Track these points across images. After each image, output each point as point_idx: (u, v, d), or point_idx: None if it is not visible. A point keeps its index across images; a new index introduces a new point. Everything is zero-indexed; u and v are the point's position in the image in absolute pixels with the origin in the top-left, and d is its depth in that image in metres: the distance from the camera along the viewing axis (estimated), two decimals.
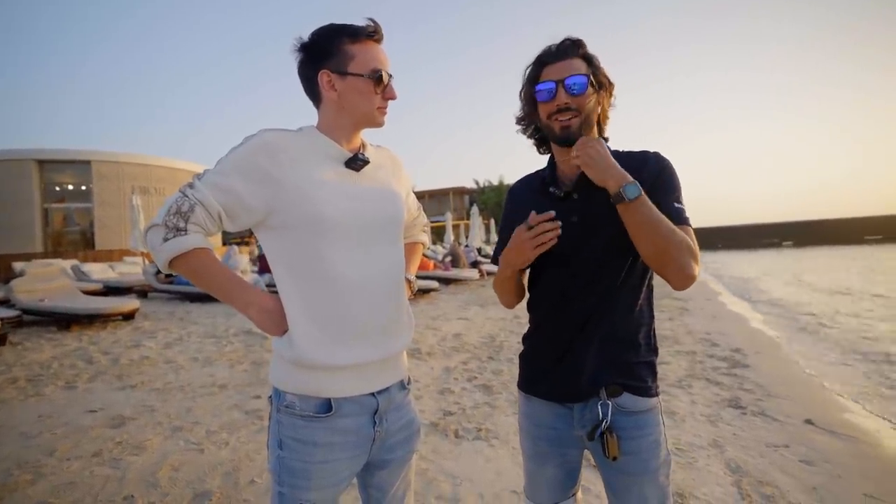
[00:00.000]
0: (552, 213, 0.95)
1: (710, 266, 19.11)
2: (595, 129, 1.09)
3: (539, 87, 1.05)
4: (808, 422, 3.02)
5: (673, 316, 6.88)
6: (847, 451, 2.63)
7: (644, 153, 1.07)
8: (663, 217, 0.94)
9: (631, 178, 0.94)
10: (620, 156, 1.07)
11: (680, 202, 1.02)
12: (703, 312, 7.28)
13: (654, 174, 1.02)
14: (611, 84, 1.08)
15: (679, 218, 0.99)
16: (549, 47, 1.06)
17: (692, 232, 1.00)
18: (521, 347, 1.22)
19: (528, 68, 1.09)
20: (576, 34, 1.07)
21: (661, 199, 0.99)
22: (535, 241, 0.96)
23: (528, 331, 1.19)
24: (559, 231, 0.95)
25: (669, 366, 4.29)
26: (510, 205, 1.21)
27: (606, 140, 1.13)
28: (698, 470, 2.38)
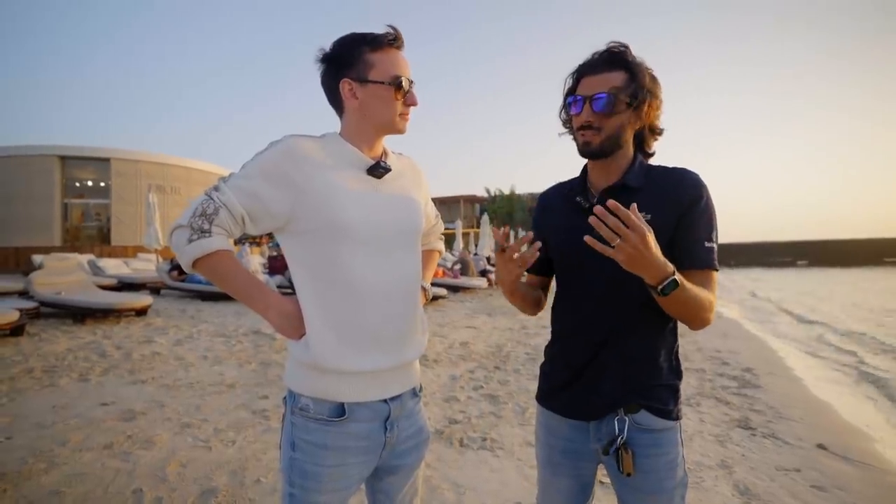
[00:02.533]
0: (530, 236, 0.96)
1: (724, 285, 18.84)
2: (628, 146, 1.05)
3: (570, 99, 1.04)
4: (821, 446, 2.96)
5: (682, 332, 6.69)
6: (861, 479, 2.57)
7: (682, 173, 1.02)
8: (692, 294, 0.89)
9: (671, 273, 0.85)
10: (656, 171, 1.04)
11: (712, 240, 0.98)
12: (714, 330, 7.17)
13: (688, 200, 0.98)
14: (653, 96, 1.01)
15: (706, 260, 0.96)
16: (590, 57, 1.02)
17: (715, 277, 0.98)
18: (527, 358, 1.23)
19: (568, 76, 1.06)
20: (576, 52, 1.02)
21: (694, 234, 0.97)
22: (510, 264, 0.97)
23: (549, 342, 1.18)
24: (538, 253, 0.93)
25: None
26: (539, 210, 1.21)
27: (652, 155, 1.09)
28: (706, 490, 2.34)
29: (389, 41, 1.00)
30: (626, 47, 1.00)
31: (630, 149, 1.06)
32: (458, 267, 13.28)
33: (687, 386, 4.15)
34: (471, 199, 40.83)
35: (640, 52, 1.03)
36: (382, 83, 0.99)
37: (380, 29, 1.00)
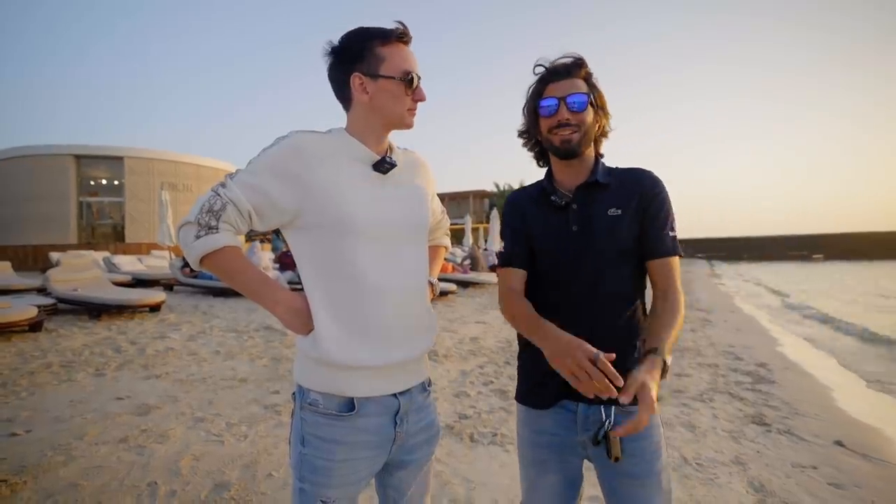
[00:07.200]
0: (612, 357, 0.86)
1: (735, 274, 18.56)
2: (592, 145, 1.13)
3: (542, 102, 1.10)
4: (839, 443, 2.90)
5: (695, 327, 6.71)
6: (880, 476, 2.52)
7: (639, 172, 1.12)
8: (672, 331, 0.98)
9: (659, 362, 0.91)
10: (616, 171, 1.13)
11: (674, 229, 1.09)
12: (727, 325, 7.08)
13: (648, 196, 1.09)
14: (604, 106, 1.13)
15: (672, 248, 1.07)
16: (553, 65, 1.10)
17: (678, 263, 1.09)
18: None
19: (531, 85, 1.13)
20: (582, 51, 1.12)
21: (658, 225, 1.07)
22: (589, 384, 0.86)
23: (523, 343, 1.18)
24: (613, 393, 0.85)
25: (690, 378, 4.19)
26: (516, 214, 1.21)
27: (602, 156, 1.16)
28: (719, 487, 2.31)
29: (398, 36, 0.99)
30: (583, 59, 1.11)
31: (593, 150, 1.15)
32: (467, 262, 13.27)
33: (700, 381, 4.10)
34: (480, 195, 40.68)
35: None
36: (393, 78, 0.98)
37: (388, 24, 1.00)
